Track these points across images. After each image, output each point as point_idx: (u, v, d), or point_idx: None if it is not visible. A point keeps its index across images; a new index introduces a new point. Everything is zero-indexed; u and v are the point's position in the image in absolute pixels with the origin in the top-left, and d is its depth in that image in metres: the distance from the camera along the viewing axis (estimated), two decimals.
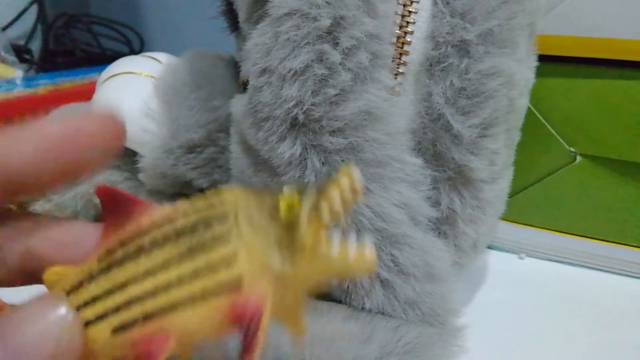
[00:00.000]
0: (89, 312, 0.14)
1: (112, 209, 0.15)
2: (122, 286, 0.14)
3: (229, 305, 0.13)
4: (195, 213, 0.14)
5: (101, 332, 0.14)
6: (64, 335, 0.13)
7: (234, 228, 0.14)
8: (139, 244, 0.14)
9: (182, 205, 0.15)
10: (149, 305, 0.14)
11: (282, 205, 0.14)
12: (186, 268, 0.14)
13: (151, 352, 0.13)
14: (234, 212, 0.14)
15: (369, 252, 0.14)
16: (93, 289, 0.14)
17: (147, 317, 0.14)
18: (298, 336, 0.15)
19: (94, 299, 0.14)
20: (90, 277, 0.14)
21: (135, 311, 0.14)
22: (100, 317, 0.14)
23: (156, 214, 0.14)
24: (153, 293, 0.14)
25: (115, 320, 0.14)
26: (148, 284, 0.14)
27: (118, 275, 0.14)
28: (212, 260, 0.14)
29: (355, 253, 0.14)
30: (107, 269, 0.14)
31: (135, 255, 0.14)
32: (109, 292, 0.14)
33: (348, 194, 0.14)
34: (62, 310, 0.13)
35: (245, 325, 0.13)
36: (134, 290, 0.14)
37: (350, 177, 0.14)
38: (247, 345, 0.13)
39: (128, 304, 0.14)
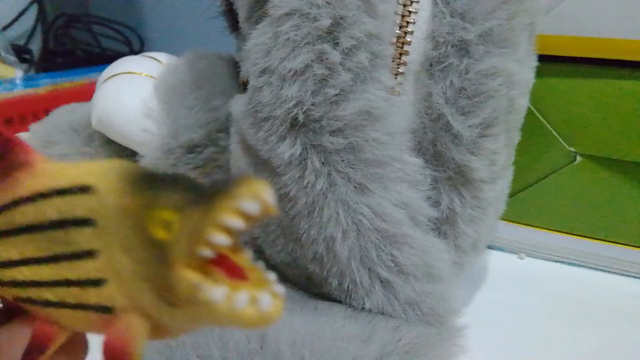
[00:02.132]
0: None
1: None
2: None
3: (101, 324, 0.12)
4: (62, 200, 0.11)
5: None
6: None
7: (101, 244, 0.11)
8: (12, 221, 0.12)
9: (54, 176, 0.12)
10: (32, 293, 0.12)
11: (155, 222, 0.10)
12: (56, 271, 0.12)
13: (40, 344, 0.13)
14: (103, 219, 0.11)
15: (267, 298, 0.10)
16: None
17: (31, 302, 0.13)
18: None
19: None
20: None
21: (18, 292, 0.13)
22: None
23: (35, 180, 0.12)
24: (34, 284, 0.12)
25: None
26: (26, 273, 0.12)
27: None
28: (79, 274, 0.12)
29: (248, 300, 0.10)
30: None
31: (9, 234, 0.12)
32: None
33: (253, 211, 0.10)
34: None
35: None
36: (11, 274, 0.13)
37: (255, 192, 0.10)
38: None
39: (10, 283, 0.13)
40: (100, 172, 0.11)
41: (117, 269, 0.11)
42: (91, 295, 0.11)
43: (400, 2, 0.25)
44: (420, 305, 0.24)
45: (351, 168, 0.23)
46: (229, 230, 0.10)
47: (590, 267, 0.34)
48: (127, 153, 0.34)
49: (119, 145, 0.33)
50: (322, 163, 0.23)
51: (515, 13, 0.24)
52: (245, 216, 0.10)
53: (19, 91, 0.53)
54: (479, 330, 0.25)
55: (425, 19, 0.25)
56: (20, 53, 0.68)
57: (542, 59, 0.28)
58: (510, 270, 0.34)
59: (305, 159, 0.23)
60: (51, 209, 0.12)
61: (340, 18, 0.22)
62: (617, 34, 0.30)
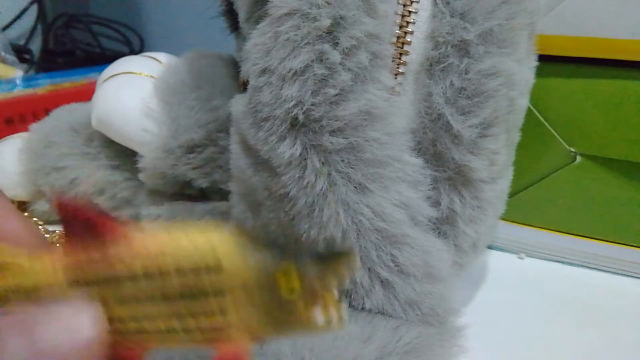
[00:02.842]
0: None
1: (73, 224, 0.14)
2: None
3: (212, 345, 0.14)
4: (189, 274, 0.14)
5: None
6: (91, 338, 0.13)
7: (229, 305, 0.14)
8: (119, 293, 0.14)
9: (166, 250, 0.14)
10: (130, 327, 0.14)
11: (282, 284, 0.14)
12: (175, 322, 0.14)
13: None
14: (232, 288, 0.14)
15: (344, 316, 0.14)
16: None
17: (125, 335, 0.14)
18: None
19: None
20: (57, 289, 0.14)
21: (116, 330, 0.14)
22: None
23: (134, 255, 0.14)
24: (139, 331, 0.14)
25: None
26: (133, 325, 0.14)
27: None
28: (202, 324, 0.14)
29: (335, 319, 0.14)
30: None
31: (117, 302, 0.14)
32: None
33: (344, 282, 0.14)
34: (92, 312, 0.14)
35: None
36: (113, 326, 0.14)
37: (350, 269, 0.14)
38: None
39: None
40: (224, 248, 0.14)
41: (243, 318, 0.14)
42: (206, 335, 0.14)
43: (400, 2, 0.25)
44: (420, 305, 0.24)
45: (351, 168, 0.23)
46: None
47: (590, 267, 0.34)
48: (127, 153, 0.34)
49: (119, 145, 0.33)
50: (322, 163, 0.23)
51: (515, 13, 0.24)
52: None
53: (19, 91, 0.53)
54: (479, 330, 0.25)
55: (425, 19, 0.25)
56: (20, 53, 0.68)
57: (542, 59, 0.28)
58: (510, 270, 0.34)
59: (305, 159, 0.23)
60: (176, 283, 0.14)
61: (340, 18, 0.22)
62: (617, 34, 0.30)
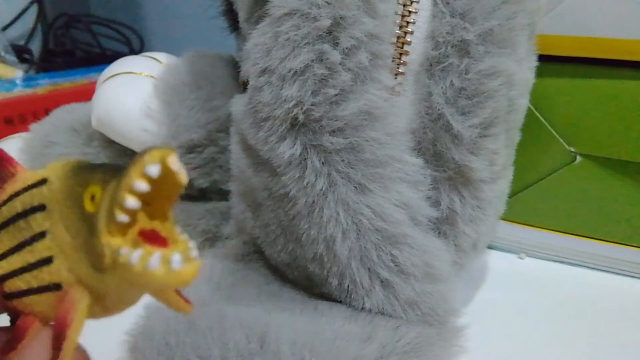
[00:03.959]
0: None
1: None
2: None
3: (56, 303, 0.13)
4: (26, 194, 0.13)
5: None
6: None
7: (49, 225, 0.12)
8: None
9: (26, 179, 0.13)
10: (10, 286, 0.13)
11: (87, 198, 0.12)
12: (22, 258, 0.13)
13: (18, 334, 0.13)
14: (51, 203, 0.12)
15: (177, 258, 0.11)
16: None
17: (12, 295, 0.13)
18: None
19: None
20: None
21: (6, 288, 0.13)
22: None
23: (13, 185, 0.13)
24: (11, 276, 0.13)
25: None
26: (4, 266, 0.13)
27: None
28: (36, 256, 0.13)
29: (159, 261, 0.10)
30: None
31: None
32: None
33: (154, 173, 0.11)
34: None
35: (55, 333, 0.12)
36: None
37: (155, 157, 0.11)
38: (54, 353, 0.12)
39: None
40: (55, 167, 0.13)
41: (61, 245, 0.12)
42: (45, 275, 0.13)
43: (400, 2, 0.25)
44: (420, 305, 0.24)
45: (351, 168, 0.23)
46: (138, 194, 0.11)
47: (590, 267, 0.34)
48: (127, 153, 0.34)
49: (119, 145, 0.33)
50: (322, 163, 0.23)
51: (515, 13, 0.24)
52: (149, 179, 0.11)
53: (19, 91, 0.53)
54: (479, 330, 0.25)
55: (425, 19, 0.25)
56: (20, 53, 0.68)
57: (542, 59, 0.28)
58: (510, 270, 0.34)
59: (305, 159, 0.23)
60: (18, 203, 0.13)
61: (340, 18, 0.22)
62: (617, 34, 0.30)
